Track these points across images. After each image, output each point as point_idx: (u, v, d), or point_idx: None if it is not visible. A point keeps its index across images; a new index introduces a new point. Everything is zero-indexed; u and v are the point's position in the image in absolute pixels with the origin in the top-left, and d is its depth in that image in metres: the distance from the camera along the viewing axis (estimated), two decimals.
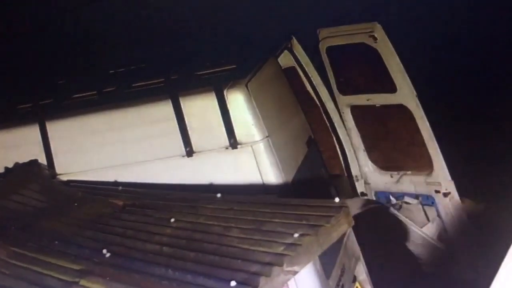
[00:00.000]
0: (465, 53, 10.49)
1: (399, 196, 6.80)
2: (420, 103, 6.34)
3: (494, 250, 5.92)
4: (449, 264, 6.66)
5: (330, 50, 6.63)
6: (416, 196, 6.66)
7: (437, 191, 6.49)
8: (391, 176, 6.78)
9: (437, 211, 6.59)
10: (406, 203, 6.75)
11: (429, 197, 6.58)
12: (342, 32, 6.56)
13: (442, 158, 6.40)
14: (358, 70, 6.67)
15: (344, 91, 6.76)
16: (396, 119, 6.50)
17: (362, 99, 6.67)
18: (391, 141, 6.71)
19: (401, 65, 6.29)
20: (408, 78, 6.32)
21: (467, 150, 8.62)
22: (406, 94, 6.30)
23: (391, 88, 6.34)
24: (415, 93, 6.32)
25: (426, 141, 6.37)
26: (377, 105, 6.57)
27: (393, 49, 6.26)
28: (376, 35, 6.19)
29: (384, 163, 6.88)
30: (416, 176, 6.59)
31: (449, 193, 6.47)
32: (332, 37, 6.59)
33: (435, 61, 10.53)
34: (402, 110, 6.38)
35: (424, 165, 6.51)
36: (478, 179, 7.84)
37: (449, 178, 6.44)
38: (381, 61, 6.26)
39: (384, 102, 6.51)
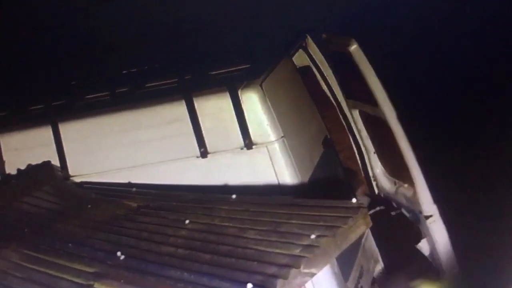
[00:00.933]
0: (453, 75, 10.47)
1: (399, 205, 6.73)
2: (403, 120, 6.23)
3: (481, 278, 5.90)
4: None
5: (329, 54, 6.59)
6: (408, 211, 6.57)
7: (420, 212, 6.39)
8: (395, 184, 6.71)
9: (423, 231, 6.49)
10: (403, 214, 6.67)
11: (416, 215, 6.48)
12: (332, 40, 6.53)
13: (424, 180, 6.23)
14: (349, 78, 6.60)
15: (347, 95, 6.71)
16: (389, 130, 6.39)
17: (360, 105, 6.61)
18: (390, 149, 6.63)
19: (378, 81, 6.14)
20: (386, 95, 6.17)
21: (456, 173, 8.55)
22: (385, 111, 6.19)
23: (374, 102, 6.26)
24: (394, 111, 6.20)
25: (406, 161, 6.23)
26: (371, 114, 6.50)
27: (369, 65, 6.14)
28: (351, 50, 6.12)
29: (389, 169, 6.80)
30: (408, 191, 6.48)
31: (431, 216, 6.33)
32: (329, 42, 6.56)
33: (421, 83, 10.50)
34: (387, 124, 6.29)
35: (411, 182, 6.38)
36: (466, 203, 7.80)
37: (431, 201, 6.29)
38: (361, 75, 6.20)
39: (373, 114, 6.44)
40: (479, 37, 10.88)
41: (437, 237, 6.33)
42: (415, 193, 6.29)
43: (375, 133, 6.74)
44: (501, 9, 10.82)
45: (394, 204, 6.69)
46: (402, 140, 6.17)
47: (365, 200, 6.59)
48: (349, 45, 6.11)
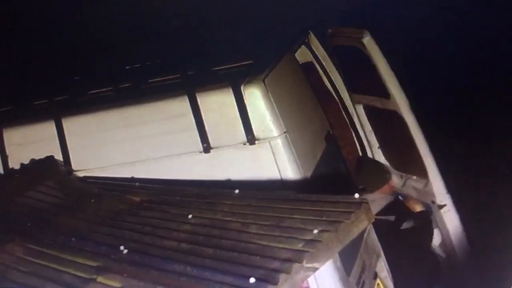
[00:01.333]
0: (463, 64, 10.46)
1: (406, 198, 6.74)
2: (415, 112, 6.26)
3: (493, 267, 5.92)
4: (450, 275, 6.59)
5: (335, 48, 6.61)
6: (417, 202, 6.58)
7: (433, 202, 6.41)
8: (401, 177, 6.73)
9: (435, 221, 6.51)
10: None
11: (428, 206, 6.50)
12: (341, 33, 6.55)
13: (437, 170, 6.31)
14: (357, 72, 6.62)
15: (352, 89, 6.73)
16: (397, 123, 6.42)
17: (367, 99, 6.63)
18: (397, 143, 6.65)
19: (392, 72, 6.22)
20: (399, 86, 6.23)
21: (468, 162, 8.57)
22: (398, 102, 6.23)
23: (385, 93, 6.28)
24: (407, 102, 6.23)
25: (420, 151, 6.28)
26: (380, 107, 6.52)
27: (382, 57, 6.20)
28: (364, 42, 6.14)
29: (395, 163, 6.82)
30: (418, 183, 6.51)
31: (444, 205, 6.37)
32: (336, 36, 6.57)
33: (432, 71, 10.50)
34: (398, 116, 6.31)
35: (423, 173, 6.44)
36: (478, 192, 7.81)
37: (445, 190, 6.35)
38: (374, 66, 6.21)
39: (382, 107, 6.46)
40: (491, 30, 10.86)
41: (450, 226, 6.39)
42: (427, 183, 6.34)
43: (380, 127, 6.77)
44: None
45: (400, 198, 6.67)
46: (415, 130, 6.22)
47: (388, 199, 6.54)
48: (362, 36, 6.14)
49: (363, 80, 6.63)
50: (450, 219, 6.41)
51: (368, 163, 6.78)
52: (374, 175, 6.57)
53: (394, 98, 6.22)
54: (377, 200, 6.39)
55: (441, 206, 6.35)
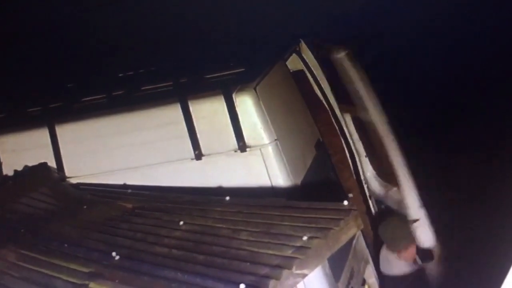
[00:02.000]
0: (440, 77, 10.54)
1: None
2: (392, 124, 6.28)
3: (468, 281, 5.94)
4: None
5: (320, 59, 6.65)
6: (398, 214, 6.57)
7: (406, 216, 6.41)
8: (385, 187, 6.74)
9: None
10: None
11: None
12: (322, 47, 6.59)
13: (412, 185, 6.22)
14: (338, 83, 6.65)
15: (338, 99, 6.77)
16: (377, 135, 6.44)
17: (350, 110, 6.66)
18: (378, 154, 6.66)
19: (368, 87, 6.24)
20: (376, 101, 6.26)
21: (443, 178, 8.61)
22: (375, 116, 6.25)
23: (364, 107, 6.32)
24: (385, 117, 6.27)
25: (394, 166, 6.25)
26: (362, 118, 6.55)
27: (357, 71, 6.22)
28: (337, 57, 6.20)
29: (380, 173, 6.84)
30: (397, 195, 6.46)
31: (417, 220, 6.36)
32: (319, 48, 6.62)
33: (410, 87, 10.57)
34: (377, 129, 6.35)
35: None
36: (453, 207, 7.86)
37: (418, 205, 6.25)
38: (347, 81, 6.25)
39: (363, 119, 6.49)
40: (470, 41, 10.95)
41: (423, 241, 6.34)
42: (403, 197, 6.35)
43: (367, 137, 6.80)
44: (500, 10, 10.88)
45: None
46: (390, 144, 6.21)
47: (410, 268, 6.23)
48: (337, 53, 6.18)
49: (342, 92, 6.66)
50: (422, 234, 6.32)
51: (392, 217, 6.43)
52: (398, 233, 6.20)
53: (372, 112, 6.24)
54: (399, 266, 6.15)
55: (413, 221, 6.30)
